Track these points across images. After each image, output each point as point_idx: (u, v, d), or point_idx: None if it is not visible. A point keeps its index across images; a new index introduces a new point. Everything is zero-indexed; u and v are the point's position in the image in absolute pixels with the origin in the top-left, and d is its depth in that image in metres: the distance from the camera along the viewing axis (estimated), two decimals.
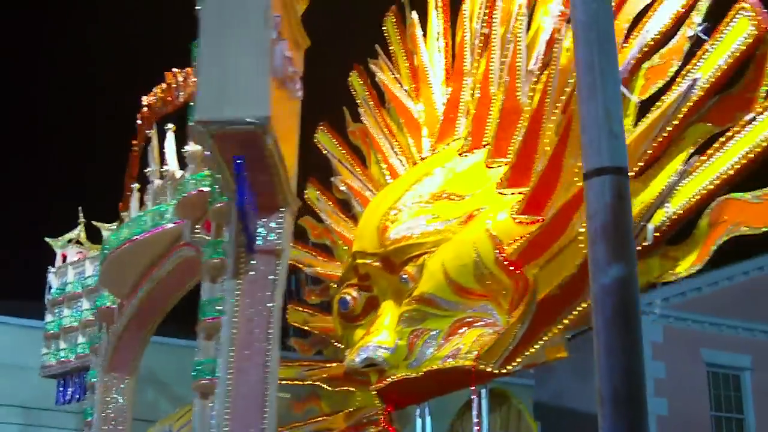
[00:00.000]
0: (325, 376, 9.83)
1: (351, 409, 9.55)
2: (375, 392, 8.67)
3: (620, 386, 3.77)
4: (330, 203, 10.26)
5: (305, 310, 10.41)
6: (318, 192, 10.34)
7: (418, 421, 8.75)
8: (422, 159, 8.97)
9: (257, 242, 6.11)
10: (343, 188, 9.99)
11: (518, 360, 7.51)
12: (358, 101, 10.14)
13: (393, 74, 9.80)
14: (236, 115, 5.33)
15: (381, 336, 8.20)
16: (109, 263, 7.78)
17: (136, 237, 7.31)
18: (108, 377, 8.31)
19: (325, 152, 10.30)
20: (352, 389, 9.53)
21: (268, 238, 6.15)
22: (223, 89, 5.41)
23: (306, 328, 10.41)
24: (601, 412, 3.76)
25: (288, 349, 10.56)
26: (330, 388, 9.73)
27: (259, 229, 6.13)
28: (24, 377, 13.40)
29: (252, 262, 6.09)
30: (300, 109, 6.89)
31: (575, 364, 21.25)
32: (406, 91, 9.55)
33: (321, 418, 9.90)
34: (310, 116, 11.02)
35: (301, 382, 10.13)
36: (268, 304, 5.99)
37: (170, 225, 7.20)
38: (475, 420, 7.74)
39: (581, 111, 3.98)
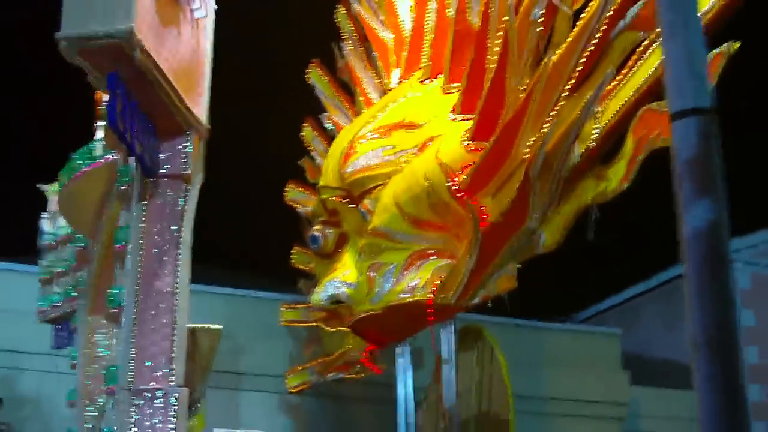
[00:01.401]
0: (323, 316, 9.76)
1: (342, 350, 9.47)
2: (351, 330, 8.58)
3: (714, 332, 3.58)
4: (325, 143, 10.10)
5: (309, 252, 10.34)
6: (314, 132, 10.18)
7: (399, 360, 8.64)
8: (390, 89, 8.71)
9: (163, 167, 5.96)
10: (329, 125, 9.81)
11: (474, 292, 7.27)
12: (343, 37, 9.92)
13: (372, 5, 9.51)
14: (99, 28, 5.16)
15: (346, 272, 8.06)
16: (64, 198, 7.76)
17: (84, 169, 7.24)
18: (92, 319, 8.32)
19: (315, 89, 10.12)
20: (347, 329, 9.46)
21: (174, 162, 5.99)
22: (89, 1, 5.21)
23: (308, 269, 10.34)
24: (695, 359, 3.57)
25: (299, 292, 10.53)
26: (328, 329, 9.64)
27: (163, 154, 5.98)
28: None
29: (158, 188, 5.95)
30: (210, 31, 6.59)
31: (663, 313, 20.96)
32: (381, 21, 9.27)
33: (321, 360, 9.85)
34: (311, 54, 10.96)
35: (306, 323, 10.08)
36: (175, 232, 5.87)
37: (112, 156, 7.08)
38: (437, 355, 7.53)
39: (663, 51, 3.75)
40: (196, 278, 14.64)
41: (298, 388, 10.09)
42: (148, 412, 5.46)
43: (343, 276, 8.00)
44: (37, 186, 10.27)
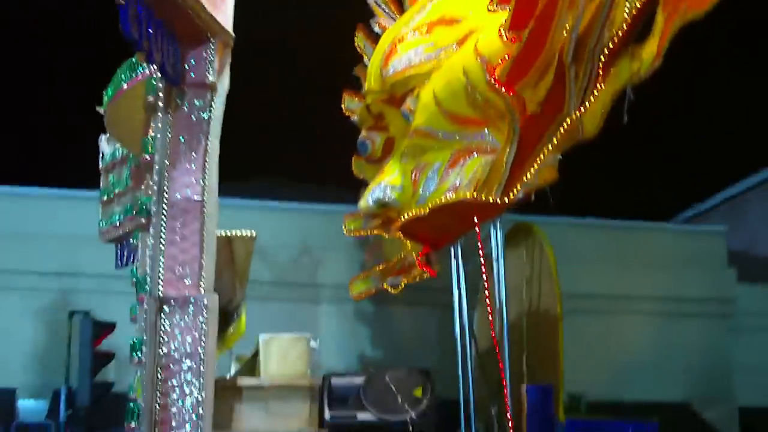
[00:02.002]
0: (380, 223, 9.69)
1: (401, 255, 9.40)
2: (402, 234, 8.49)
3: None
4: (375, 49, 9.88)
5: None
6: (366, 39, 9.97)
7: (453, 261, 8.53)
8: None
9: (188, 76, 5.86)
10: (378, 30, 9.59)
11: (518, 187, 7.06)
12: None
13: None
14: None
15: (392, 175, 7.94)
16: (109, 116, 7.80)
17: (123, 87, 7.23)
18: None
19: None
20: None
21: (198, 71, 5.89)
22: None
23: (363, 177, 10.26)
24: None
25: None
26: (387, 236, 9.58)
27: (186, 63, 5.88)
28: None
29: (183, 97, 5.86)
30: None
31: None
32: None
33: (382, 266, 9.82)
34: None
35: (365, 233, 10.04)
36: (201, 141, 5.81)
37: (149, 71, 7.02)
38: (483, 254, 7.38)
39: None
40: (266, 193, 14.82)
41: (362, 295, 10.09)
42: (177, 319, 5.50)
43: (388, 179, 7.89)
44: (96, 108, 10.36)
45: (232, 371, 7.59)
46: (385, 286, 9.59)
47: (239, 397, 6.47)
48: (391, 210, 8.02)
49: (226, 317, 6.99)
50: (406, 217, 7.82)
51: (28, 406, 10.80)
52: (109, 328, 8.85)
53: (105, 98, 7.97)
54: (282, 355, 6.80)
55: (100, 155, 10.68)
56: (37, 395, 10.98)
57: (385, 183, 7.88)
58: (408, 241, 9.15)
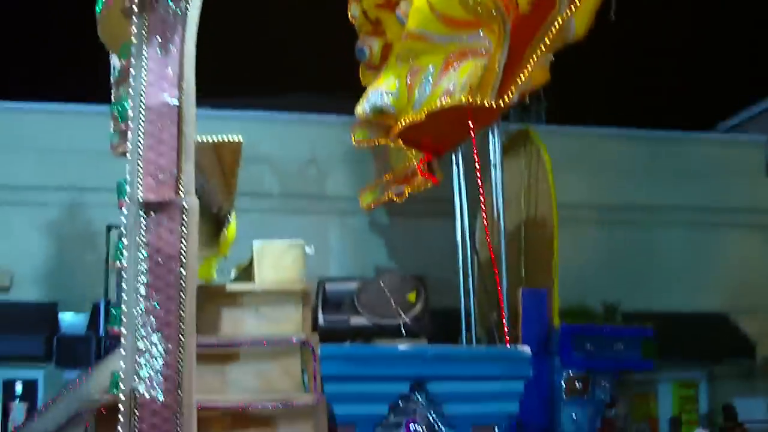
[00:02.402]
0: (384, 131, 9.60)
1: (407, 164, 9.34)
2: (402, 142, 8.42)
3: None
4: None
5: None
6: None
7: (454, 167, 8.46)
8: None
9: None
10: None
11: (512, 89, 6.93)
12: None
13: None
14: None
15: (387, 81, 7.83)
16: (101, 26, 7.72)
17: None
18: None
19: None
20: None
21: None
22: None
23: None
24: None
25: None
26: (392, 144, 9.50)
27: None
28: None
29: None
30: None
31: None
32: None
33: (389, 175, 9.77)
34: None
35: (373, 142, 9.97)
36: (176, 44, 5.73)
37: None
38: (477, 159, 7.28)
39: None
40: (280, 106, 14.71)
41: (371, 206, 10.07)
42: (157, 223, 5.50)
43: (384, 85, 7.78)
44: None
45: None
46: (390, 195, 9.56)
47: (231, 303, 6.50)
48: (389, 117, 7.93)
49: (219, 224, 7.01)
50: (403, 123, 7.73)
51: (69, 320, 11.12)
52: None
53: (97, 10, 7.90)
54: (276, 261, 6.80)
55: (112, 68, 10.68)
56: (78, 309, 11.24)
57: (381, 89, 7.78)
58: (413, 151, 9.09)
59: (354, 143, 10.02)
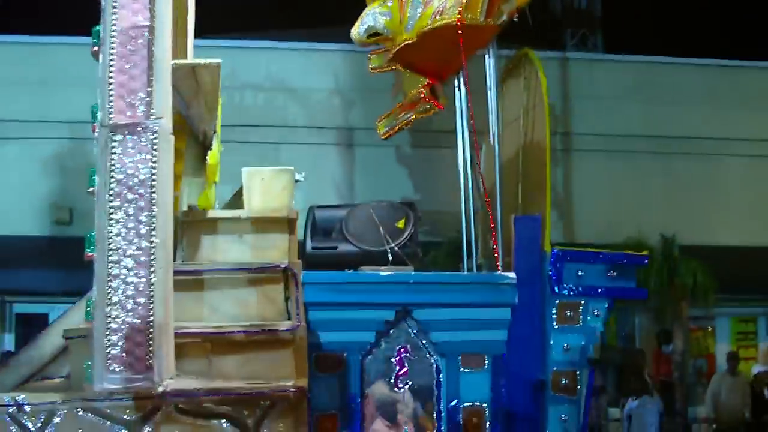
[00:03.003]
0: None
1: (417, 90, 9.14)
2: (402, 66, 8.24)
3: None
4: None
5: None
6: None
7: (456, 92, 8.27)
8: None
9: None
10: None
11: (502, 8, 6.72)
12: None
13: None
14: None
15: (381, 1, 7.63)
16: None
17: None
18: None
19: None
20: None
21: None
22: None
23: None
24: None
25: None
26: (402, 70, 9.30)
27: None
28: None
29: None
30: None
31: None
32: None
33: (400, 104, 9.59)
34: None
35: (387, 68, 9.77)
36: None
37: None
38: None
39: None
40: (303, 37, 14.55)
41: (387, 135, 9.90)
42: (128, 147, 5.42)
43: (378, 6, 7.58)
44: None
45: None
46: (402, 124, 9.38)
47: (214, 230, 6.43)
48: (384, 39, 7.75)
49: (205, 151, 6.92)
50: (398, 45, 7.55)
51: None
52: None
53: None
54: (265, 188, 6.71)
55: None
56: None
57: (375, 9, 7.59)
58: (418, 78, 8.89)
59: (370, 71, 9.83)
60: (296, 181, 7.06)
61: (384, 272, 6.45)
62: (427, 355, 6.65)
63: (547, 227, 6.69)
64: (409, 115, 8.79)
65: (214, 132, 6.22)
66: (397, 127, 9.52)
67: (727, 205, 17.45)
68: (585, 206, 17.13)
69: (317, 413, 6.43)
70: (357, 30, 7.80)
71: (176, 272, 5.90)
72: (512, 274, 6.40)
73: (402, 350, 6.72)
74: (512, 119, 7.72)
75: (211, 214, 6.54)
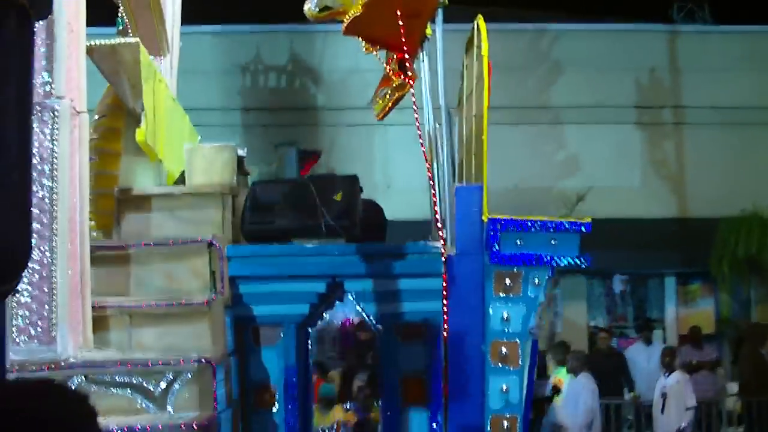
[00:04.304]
0: None
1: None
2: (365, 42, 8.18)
3: None
4: None
5: None
6: None
7: (421, 64, 8.15)
8: None
9: None
10: None
11: None
12: None
13: None
14: None
15: None
16: None
17: None
18: None
19: None
20: None
21: None
22: None
23: None
24: None
25: None
26: None
27: None
28: None
29: None
30: None
31: None
32: None
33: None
34: None
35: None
36: None
37: None
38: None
39: None
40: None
41: (380, 115, 9.86)
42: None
43: None
44: None
45: None
46: (388, 101, 9.30)
47: (150, 206, 6.57)
48: (337, 12, 7.69)
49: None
50: (348, 18, 7.47)
51: None
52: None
53: None
54: (206, 165, 6.82)
55: None
56: None
57: None
58: None
59: (364, 50, 9.79)
60: (240, 157, 7.15)
61: (309, 244, 6.45)
62: (370, 327, 6.64)
63: (485, 197, 6.55)
64: (385, 92, 8.70)
65: (143, 110, 6.32)
66: (387, 107, 9.44)
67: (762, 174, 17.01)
68: (698, 180, 16.99)
69: (255, 385, 6.48)
70: (308, 5, 7.76)
71: (100, 248, 6.08)
72: (439, 244, 6.31)
73: (347, 322, 6.72)
74: (469, 92, 7.57)
75: (147, 191, 6.66)
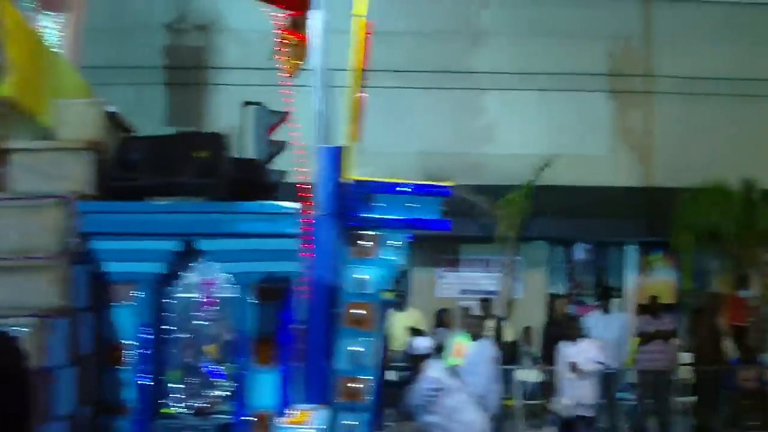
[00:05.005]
0: None
1: None
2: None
3: None
4: None
5: None
6: None
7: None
8: None
9: None
10: None
11: None
12: None
13: None
14: None
15: None
16: None
17: None
18: None
19: None
20: None
21: None
22: None
23: None
24: None
25: None
26: None
27: None
28: None
29: None
30: None
31: None
32: None
33: None
34: None
35: None
36: None
37: None
38: None
39: None
40: None
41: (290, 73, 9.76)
42: None
43: None
44: None
45: None
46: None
47: (11, 161, 6.55)
48: None
49: None
50: None
51: None
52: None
53: None
54: (74, 120, 6.79)
55: None
56: None
57: None
58: None
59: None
60: (111, 113, 7.13)
61: (161, 202, 6.45)
62: (228, 287, 6.63)
63: (348, 157, 6.49)
64: (287, 51, 8.62)
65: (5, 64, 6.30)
66: (296, 65, 9.35)
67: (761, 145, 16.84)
68: (664, 149, 16.90)
69: (109, 342, 6.50)
70: None
71: None
72: (293, 204, 6.30)
73: (208, 283, 6.73)
74: None
75: (5, 145, 6.65)
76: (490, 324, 13.64)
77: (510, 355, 14.00)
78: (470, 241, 16.02)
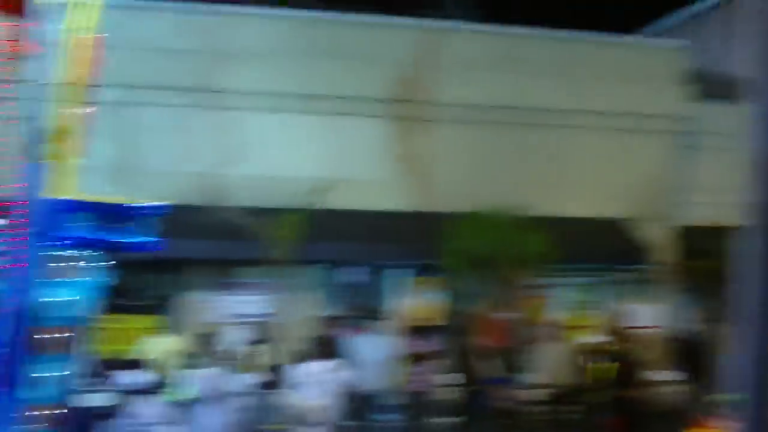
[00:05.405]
0: None
1: None
2: None
3: None
4: None
5: None
6: None
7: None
8: None
9: None
10: None
11: None
12: None
13: None
14: None
15: None
16: None
17: None
18: None
19: None
20: None
21: None
22: None
23: None
24: None
25: None
26: None
27: None
28: None
29: None
30: None
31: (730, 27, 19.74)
32: None
33: None
34: None
35: None
36: None
37: None
38: None
39: None
40: None
41: None
42: None
43: None
44: None
45: None
46: None
47: None
48: None
49: None
50: None
51: None
52: None
53: None
54: None
55: None
56: None
57: None
58: None
59: None
60: None
61: None
62: None
63: (63, 176, 6.26)
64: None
65: None
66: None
67: (573, 176, 17.58)
68: (444, 175, 17.16)
69: None
70: None
71: None
72: (4, 222, 6.02)
73: None
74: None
75: None
76: (263, 348, 13.52)
77: (276, 379, 13.86)
78: (244, 264, 15.86)
